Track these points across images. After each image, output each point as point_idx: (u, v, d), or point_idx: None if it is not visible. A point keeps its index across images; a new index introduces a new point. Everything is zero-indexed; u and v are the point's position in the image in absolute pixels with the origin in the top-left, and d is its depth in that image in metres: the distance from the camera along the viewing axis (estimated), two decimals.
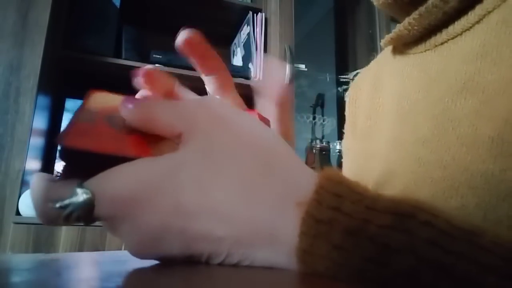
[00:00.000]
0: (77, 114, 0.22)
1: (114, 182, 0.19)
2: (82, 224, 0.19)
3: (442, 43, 0.35)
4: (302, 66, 1.75)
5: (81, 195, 0.18)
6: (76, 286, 0.17)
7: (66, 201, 0.18)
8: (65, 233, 1.14)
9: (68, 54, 1.40)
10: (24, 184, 1.16)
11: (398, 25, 0.38)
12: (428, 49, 0.36)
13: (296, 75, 1.76)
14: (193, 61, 0.29)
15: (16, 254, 1.05)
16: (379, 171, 0.38)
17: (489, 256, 0.14)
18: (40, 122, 1.30)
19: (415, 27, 0.36)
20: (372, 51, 1.81)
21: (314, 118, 1.86)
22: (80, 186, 0.18)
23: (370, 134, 0.43)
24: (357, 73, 1.85)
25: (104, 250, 1.15)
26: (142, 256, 0.20)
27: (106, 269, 0.23)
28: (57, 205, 0.18)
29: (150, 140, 0.21)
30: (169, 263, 0.21)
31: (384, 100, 0.43)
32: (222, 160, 0.18)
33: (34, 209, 0.20)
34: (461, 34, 0.33)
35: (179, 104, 0.21)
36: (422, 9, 0.34)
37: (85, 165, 0.20)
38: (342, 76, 1.92)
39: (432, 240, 0.15)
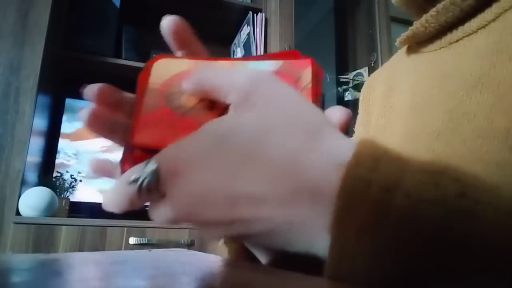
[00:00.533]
0: (139, 97, 0.24)
1: (174, 148, 0.21)
2: (153, 197, 0.21)
3: (457, 41, 0.35)
4: None
5: (149, 166, 0.21)
6: (76, 286, 0.17)
7: (138, 173, 0.21)
8: (65, 233, 1.14)
9: (68, 54, 1.40)
10: (24, 184, 1.16)
11: (414, 22, 0.38)
12: (443, 47, 0.37)
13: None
14: (173, 44, 0.29)
15: (16, 254, 1.05)
16: None
17: None
18: (40, 122, 1.30)
19: (432, 24, 0.36)
20: (372, 51, 1.81)
21: None
22: (148, 161, 0.21)
23: (384, 131, 0.44)
24: (357, 73, 1.85)
25: (104, 250, 1.15)
26: (190, 218, 0.21)
27: (106, 269, 0.23)
28: (131, 179, 0.21)
29: (201, 123, 0.23)
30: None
31: (397, 98, 0.43)
32: (271, 132, 0.20)
33: (115, 200, 0.22)
34: (476, 31, 0.33)
35: (234, 70, 0.23)
36: (439, 6, 0.35)
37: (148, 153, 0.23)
38: (342, 76, 1.92)
39: (461, 192, 0.16)
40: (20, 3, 1.26)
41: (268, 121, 0.20)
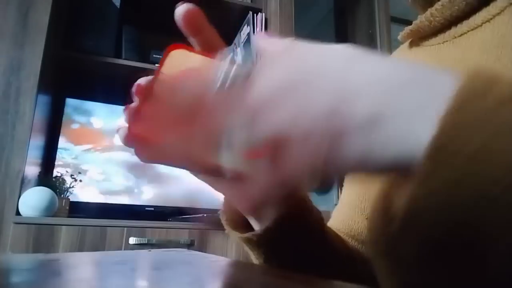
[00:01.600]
0: (150, 87, 0.24)
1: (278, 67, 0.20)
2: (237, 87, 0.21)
3: (461, 35, 0.35)
4: None
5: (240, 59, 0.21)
6: (76, 286, 0.17)
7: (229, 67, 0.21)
8: (65, 233, 1.14)
9: (68, 54, 1.40)
10: (24, 184, 1.16)
11: (419, 16, 0.38)
12: (446, 41, 0.37)
13: None
14: (186, 31, 0.29)
15: (16, 254, 1.05)
16: None
17: None
18: (40, 122, 1.30)
19: (437, 18, 0.36)
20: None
21: None
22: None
23: None
24: None
25: (104, 250, 1.15)
26: (286, 128, 0.19)
27: (106, 269, 0.23)
28: (221, 73, 0.21)
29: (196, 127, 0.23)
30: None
31: None
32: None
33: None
34: (481, 25, 0.33)
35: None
36: (445, 0, 0.35)
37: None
38: None
39: None
40: (20, 3, 1.26)
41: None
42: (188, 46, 0.26)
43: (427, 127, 0.16)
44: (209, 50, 0.29)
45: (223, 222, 0.37)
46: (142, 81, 0.27)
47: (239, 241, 0.35)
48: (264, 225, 0.31)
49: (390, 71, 0.18)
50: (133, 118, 0.24)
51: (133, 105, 0.27)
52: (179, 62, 0.25)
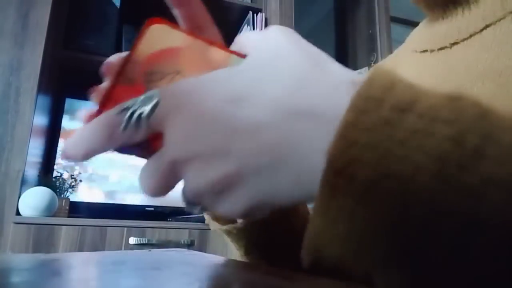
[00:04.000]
0: (122, 67, 0.22)
1: (175, 85, 0.20)
2: (135, 136, 0.19)
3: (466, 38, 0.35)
4: None
5: (148, 98, 0.19)
6: (76, 286, 0.17)
7: (131, 103, 0.19)
8: (65, 233, 1.14)
9: (68, 54, 1.40)
10: (24, 184, 1.16)
11: None
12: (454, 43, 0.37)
13: None
14: (173, 4, 0.27)
15: (16, 254, 1.05)
16: None
17: None
18: (40, 122, 1.30)
19: None
20: (372, 51, 1.81)
21: None
22: (149, 93, 0.20)
23: None
24: (357, 73, 1.85)
25: (104, 250, 1.15)
26: (186, 151, 0.19)
27: (106, 269, 0.23)
28: (123, 107, 0.19)
29: None
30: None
31: None
32: (275, 59, 0.20)
33: (91, 131, 0.20)
34: (485, 28, 0.33)
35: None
36: None
37: None
38: None
39: (480, 115, 0.15)
40: (20, 3, 1.26)
41: (272, 54, 0.20)
42: (170, 22, 0.23)
43: (320, 158, 0.16)
44: (193, 27, 0.26)
45: (207, 219, 0.37)
46: (113, 58, 0.25)
47: (219, 232, 0.35)
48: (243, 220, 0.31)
49: (284, 100, 0.18)
50: (102, 101, 0.22)
51: (102, 86, 0.25)
52: (159, 39, 0.22)
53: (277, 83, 0.19)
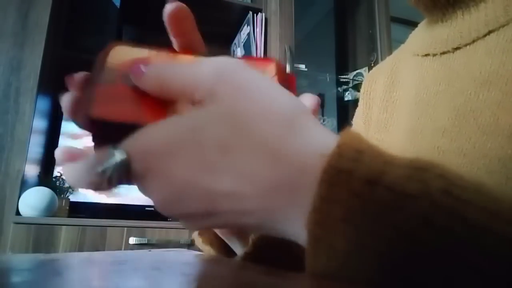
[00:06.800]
0: (96, 73, 0.23)
1: (144, 139, 0.20)
2: (126, 184, 0.20)
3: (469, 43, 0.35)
4: (302, 66, 1.75)
5: (117, 156, 0.19)
6: (76, 286, 0.17)
7: (105, 165, 0.19)
8: (65, 233, 1.14)
9: (68, 54, 1.40)
10: (24, 184, 1.16)
11: None
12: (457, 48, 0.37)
13: (296, 75, 1.76)
14: (171, 30, 0.27)
15: (16, 254, 1.05)
16: None
17: (496, 204, 0.16)
18: (40, 122, 1.30)
19: None
20: (372, 51, 1.81)
21: None
22: (115, 148, 0.20)
23: (386, 127, 0.44)
24: (357, 73, 1.85)
25: (104, 250, 1.15)
26: (168, 212, 0.21)
27: (106, 269, 0.23)
28: (98, 170, 0.19)
29: (166, 101, 0.22)
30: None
31: (401, 93, 0.43)
32: (245, 123, 0.19)
33: (77, 181, 0.21)
34: (488, 34, 0.33)
35: (194, 66, 0.21)
36: None
37: (111, 130, 0.21)
38: (342, 76, 1.91)
39: (445, 189, 0.16)
40: (20, 3, 1.26)
41: (241, 111, 0.19)
42: (128, 42, 0.25)
43: (300, 226, 0.17)
44: (187, 53, 0.27)
45: (198, 243, 0.37)
46: (77, 75, 0.26)
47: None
48: (244, 250, 0.31)
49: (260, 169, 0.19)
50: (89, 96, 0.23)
51: (69, 94, 0.26)
52: (124, 55, 0.23)
53: (251, 154, 0.19)
